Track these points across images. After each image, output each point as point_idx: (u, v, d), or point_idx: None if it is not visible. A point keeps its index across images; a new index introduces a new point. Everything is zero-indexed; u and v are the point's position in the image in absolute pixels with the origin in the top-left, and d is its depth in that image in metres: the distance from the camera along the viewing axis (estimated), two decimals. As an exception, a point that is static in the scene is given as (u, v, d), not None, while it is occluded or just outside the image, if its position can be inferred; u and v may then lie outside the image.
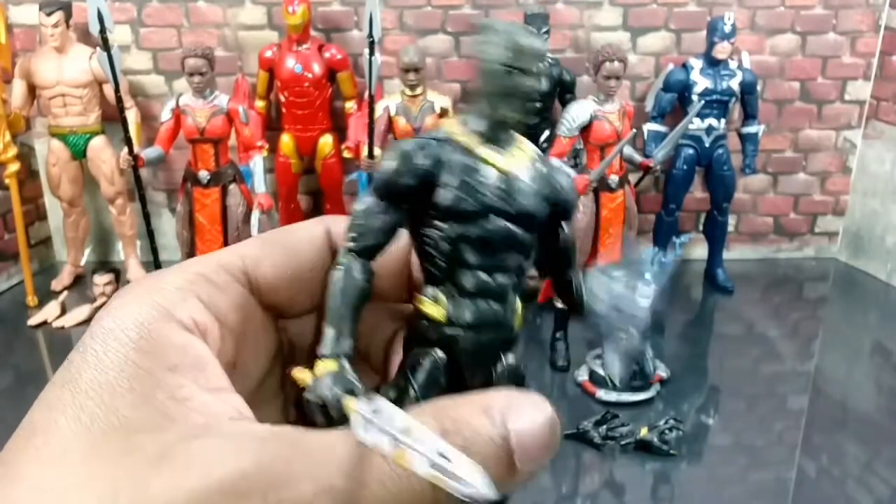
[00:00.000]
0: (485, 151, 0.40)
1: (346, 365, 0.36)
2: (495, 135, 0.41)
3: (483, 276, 0.40)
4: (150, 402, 0.30)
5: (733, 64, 3.34)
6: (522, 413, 0.32)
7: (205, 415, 0.31)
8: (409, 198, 0.39)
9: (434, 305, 0.40)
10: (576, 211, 0.44)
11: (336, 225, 0.42)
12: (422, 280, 0.42)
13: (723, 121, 3.36)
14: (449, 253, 0.40)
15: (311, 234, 0.42)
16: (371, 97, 2.89)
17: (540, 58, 0.40)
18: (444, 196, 0.39)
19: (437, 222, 0.40)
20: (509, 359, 0.42)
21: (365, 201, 0.40)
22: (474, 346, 0.40)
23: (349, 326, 0.38)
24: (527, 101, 0.40)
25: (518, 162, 0.41)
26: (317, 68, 3.31)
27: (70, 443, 0.29)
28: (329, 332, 0.37)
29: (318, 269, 0.41)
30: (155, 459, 0.28)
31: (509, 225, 0.39)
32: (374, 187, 0.40)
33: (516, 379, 0.42)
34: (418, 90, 3.07)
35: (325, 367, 0.36)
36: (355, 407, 0.31)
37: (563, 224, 0.44)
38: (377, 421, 0.30)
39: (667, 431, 2.28)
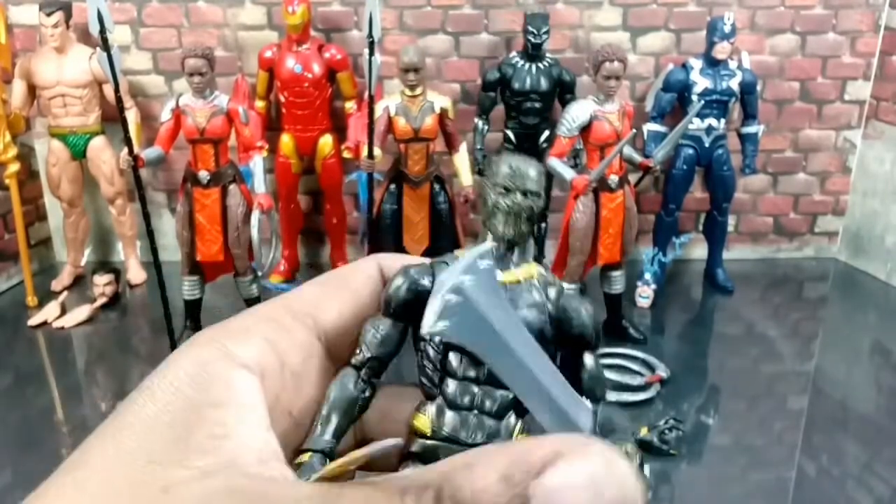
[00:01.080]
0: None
1: (317, 459, 0.39)
2: (497, 253, 0.42)
3: (473, 387, 0.41)
4: (185, 437, 0.31)
5: (733, 64, 3.34)
6: (565, 480, 0.23)
7: (235, 453, 0.31)
8: (409, 314, 0.41)
9: (422, 418, 0.42)
10: (597, 340, 0.43)
11: (387, 260, 0.44)
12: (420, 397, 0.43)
13: (722, 121, 3.37)
14: (439, 363, 0.42)
15: (366, 273, 0.44)
16: (371, 97, 2.89)
17: (528, 179, 0.42)
18: None
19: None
20: None
21: (374, 319, 0.42)
22: None
23: (332, 429, 0.40)
24: (517, 217, 0.42)
25: (518, 278, 0.42)
26: (317, 68, 3.31)
27: (99, 476, 0.30)
28: (315, 431, 0.40)
29: (377, 308, 0.43)
30: (158, 494, 0.29)
31: None
32: (381, 305, 0.42)
33: None
34: (418, 90, 3.07)
35: (304, 458, 0.39)
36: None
37: (585, 355, 0.43)
38: None
39: (667, 431, 2.28)
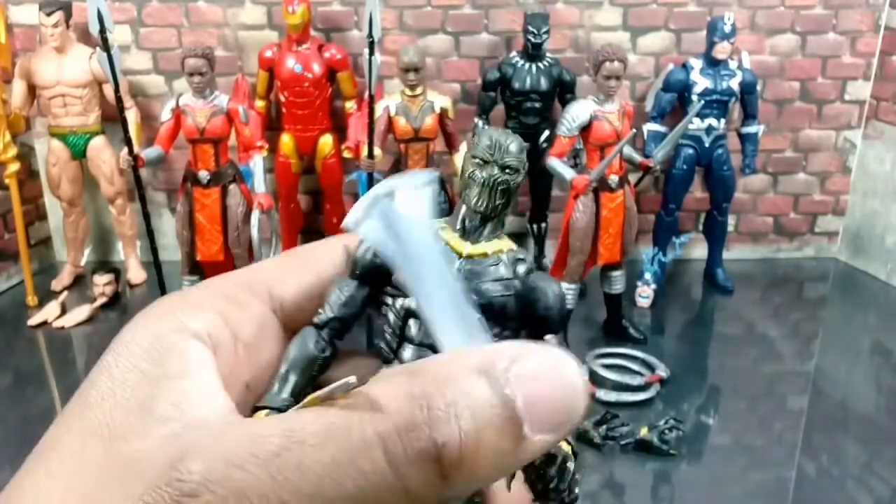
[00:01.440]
0: (451, 238, 0.42)
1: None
2: (469, 225, 0.42)
3: (430, 354, 0.40)
4: (146, 408, 0.31)
5: (733, 64, 3.34)
6: (534, 370, 0.27)
7: (196, 417, 0.31)
8: (375, 276, 0.41)
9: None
10: (562, 324, 0.42)
11: (354, 242, 0.43)
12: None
13: (723, 121, 3.36)
14: (398, 328, 0.42)
15: (330, 251, 0.44)
16: (371, 97, 2.89)
17: (508, 153, 0.41)
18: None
19: (393, 299, 0.42)
20: None
21: (340, 281, 0.42)
22: None
23: (290, 387, 0.40)
24: (492, 191, 0.41)
25: (485, 251, 0.42)
26: (317, 68, 3.31)
27: (68, 460, 0.30)
28: (272, 388, 0.40)
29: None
30: (125, 468, 0.29)
31: None
32: (346, 266, 0.42)
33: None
34: (418, 90, 3.07)
35: (260, 415, 0.39)
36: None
37: (547, 338, 0.42)
38: None
39: (667, 431, 2.28)
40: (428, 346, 0.41)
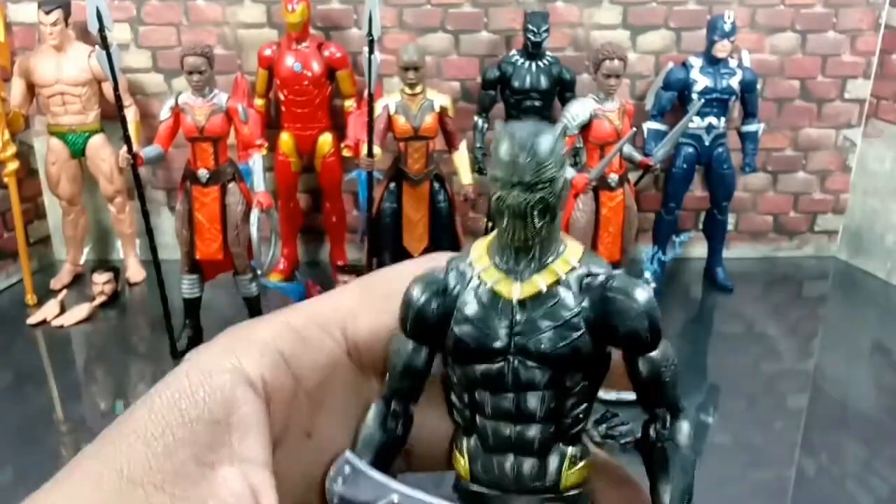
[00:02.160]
0: (496, 279, 0.35)
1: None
2: (510, 258, 0.35)
3: (501, 425, 0.35)
4: (170, 455, 0.30)
5: (733, 62, 3.33)
6: None
7: (215, 488, 0.30)
8: (432, 334, 0.36)
9: (459, 459, 0.37)
10: (654, 338, 0.34)
11: (443, 261, 0.38)
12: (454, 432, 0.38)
13: (723, 119, 3.36)
14: (466, 400, 0.36)
15: (410, 277, 0.38)
16: (370, 95, 2.88)
17: (536, 164, 0.33)
18: (453, 335, 0.35)
19: (454, 365, 0.36)
20: None
21: (395, 340, 0.37)
22: None
23: None
24: (525, 217, 0.34)
25: (540, 288, 0.34)
26: (316, 67, 3.31)
27: (83, 487, 0.29)
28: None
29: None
30: None
31: (526, 365, 0.34)
32: (399, 323, 0.37)
33: None
34: (418, 89, 3.07)
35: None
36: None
37: (642, 357, 0.35)
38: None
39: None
40: (505, 418, 0.35)
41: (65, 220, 3.53)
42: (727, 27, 3.22)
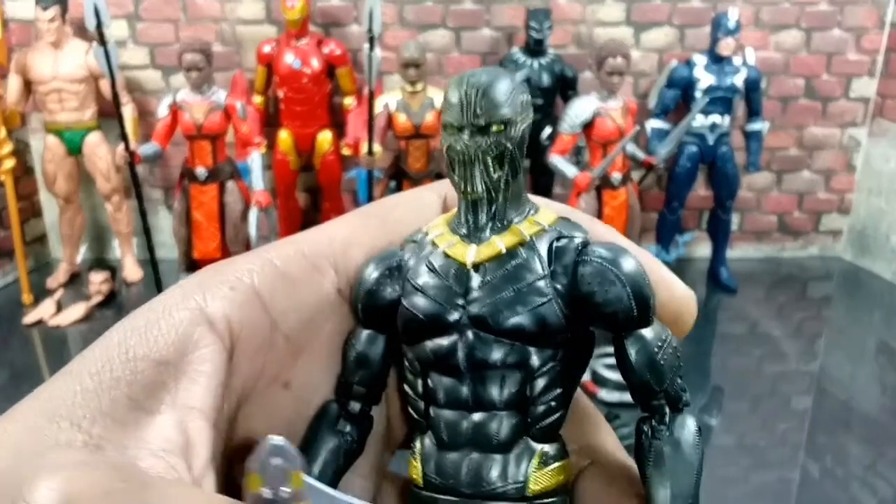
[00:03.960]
0: (451, 245, 0.31)
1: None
2: (468, 218, 0.31)
3: (457, 416, 0.30)
4: (103, 393, 0.26)
5: (737, 60, 3.31)
6: None
7: (138, 433, 0.26)
8: (387, 320, 0.32)
9: (413, 462, 0.32)
10: (644, 313, 0.29)
11: (453, 191, 0.34)
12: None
13: (727, 117, 3.33)
14: (420, 389, 0.31)
15: (422, 206, 0.34)
16: (371, 93, 2.86)
17: (489, 105, 0.29)
18: (401, 312, 0.31)
19: (406, 348, 0.32)
20: None
21: (354, 329, 0.33)
22: None
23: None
24: (478, 165, 0.30)
25: (499, 249, 0.30)
26: (315, 64, 3.28)
27: (12, 425, 0.26)
28: None
29: None
30: (37, 455, 0.25)
31: (481, 340, 0.30)
32: (351, 310, 0.33)
33: None
34: (419, 86, 3.04)
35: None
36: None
37: (630, 338, 0.29)
38: None
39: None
40: (461, 407, 0.30)
41: (61, 218, 3.51)
42: (731, 24, 3.19)
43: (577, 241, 0.30)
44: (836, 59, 3.67)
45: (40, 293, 3.29)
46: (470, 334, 0.30)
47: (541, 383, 0.30)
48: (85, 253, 3.64)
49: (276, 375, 0.31)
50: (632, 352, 0.29)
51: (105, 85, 3.07)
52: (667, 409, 0.30)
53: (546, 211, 0.31)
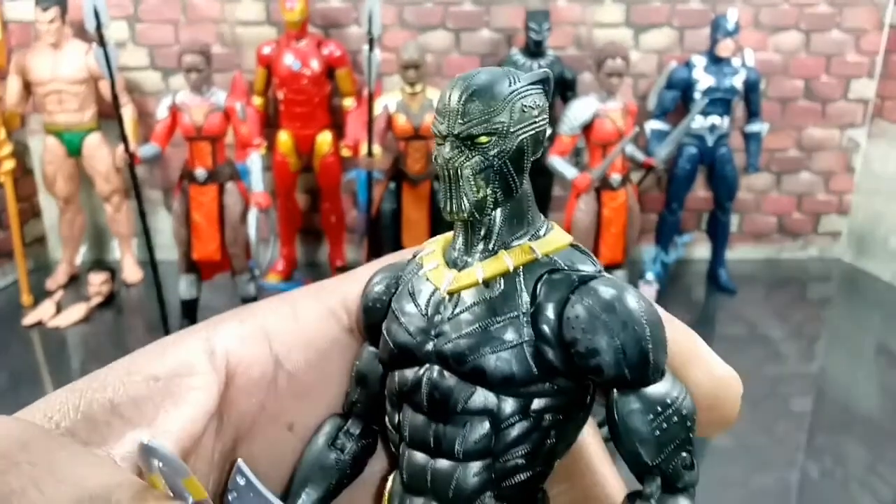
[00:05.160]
0: (433, 266, 0.28)
1: None
2: (458, 241, 0.28)
3: (417, 457, 0.27)
4: (90, 393, 0.27)
5: (737, 61, 3.31)
6: None
7: (110, 437, 0.26)
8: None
9: (385, 497, 0.29)
10: (647, 372, 0.25)
11: None
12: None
13: (726, 119, 3.33)
14: (396, 421, 0.28)
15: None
16: (370, 94, 2.86)
17: (470, 110, 0.25)
18: (382, 337, 0.29)
19: (387, 377, 0.29)
20: None
21: (362, 348, 0.31)
22: None
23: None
24: (458, 180, 0.26)
25: (476, 279, 0.26)
26: (315, 65, 3.28)
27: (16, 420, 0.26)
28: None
29: None
30: (26, 463, 0.24)
31: (444, 379, 0.26)
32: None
33: None
34: (418, 87, 3.04)
35: None
36: None
37: (618, 401, 0.25)
38: None
39: None
40: (423, 448, 0.27)
41: (61, 219, 3.50)
42: (730, 26, 3.19)
43: (576, 276, 0.25)
44: (836, 61, 3.67)
45: (40, 294, 3.29)
46: (434, 371, 0.26)
47: (510, 434, 0.26)
48: (84, 254, 3.64)
49: (278, 415, 0.31)
50: (620, 414, 0.25)
51: (105, 86, 3.07)
52: (655, 490, 0.25)
53: (555, 236, 0.27)
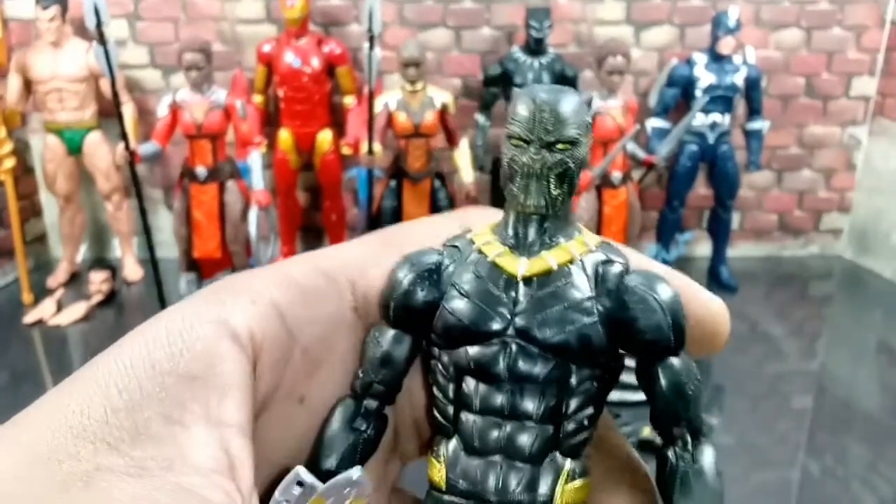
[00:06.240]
0: (500, 255, 0.31)
1: None
2: (519, 230, 0.31)
3: (491, 424, 0.31)
4: (134, 411, 0.25)
5: (738, 59, 3.30)
6: None
7: (180, 452, 0.25)
8: (418, 322, 0.32)
9: (435, 465, 0.32)
10: (679, 343, 0.30)
11: (475, 218, 0.35)
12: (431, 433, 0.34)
13: (727, 116, 3.33)
14: (451, 394, 0.32)
15: (438, 232, 0.34)
16: (371, 92, 2.86)
17: (559, 121, 0.30)
18: (442, 316, 0.31)
19: (440, 353, 0.32)
20: None
21: (377, 327, 0.33)
22: None
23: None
24: (542, 181, 0.30)
25: (550, 265, 0.31)
26: (315, 63, 3.28)
27: (21, 443, 0.25)
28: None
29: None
30: (76, 482, 0.23)
31: (526, 353, 0.30)
32: (379, 308, 0.33)
33: None
34: (418, 85, 3.04)
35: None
36: None
37: (661, 364, 0.30)
38: None
39: None
40: (495, 413, 0.31)
41: (61, 217, 3.50)
42: (732, 23, 3.19)
43: (619, 267, 0.31)
44: (837, 58, 3.66)
45: (40, 293, 3.29)
46: (514, 346, 0.30)
47: (576, 401, 0.31)
48: (85, 252, 3.64)
49: (292, 389, 0.31)
50: (664, 379, 0.30)
51: (105, 84, 3.07)
52: (689, 438, 0.31)
53: (589, 234, 0.32)
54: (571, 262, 0.31)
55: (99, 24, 2.58)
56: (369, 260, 0.33)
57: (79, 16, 3.02)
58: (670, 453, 0.31)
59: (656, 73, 3.57)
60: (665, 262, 3.37)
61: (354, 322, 0.33)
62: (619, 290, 0.30)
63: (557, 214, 0.31)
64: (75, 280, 3.50)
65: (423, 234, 0.34)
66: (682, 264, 3.68)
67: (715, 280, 3.58)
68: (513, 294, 0.30)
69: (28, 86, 3.31)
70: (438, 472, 0.32)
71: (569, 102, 0.30)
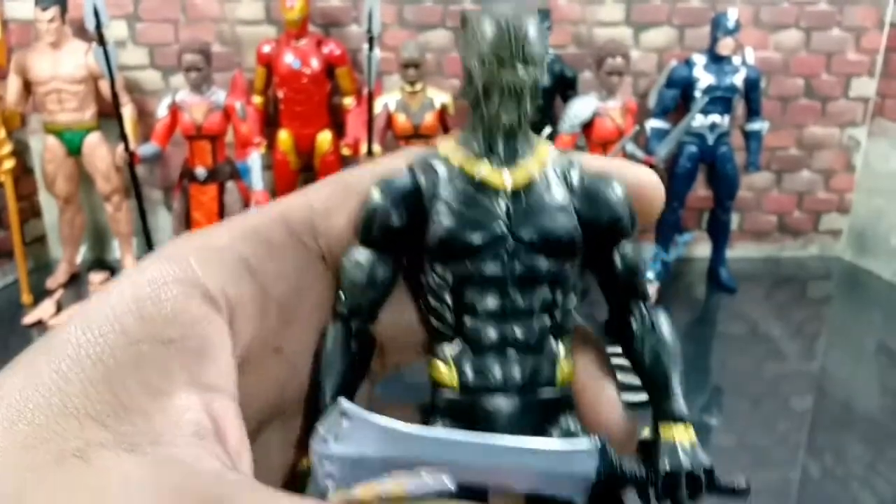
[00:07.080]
0: (485, 170, 0.33)
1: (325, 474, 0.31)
2: (495, 146, 0.33)
3: (496, 323, 0.33)
4: (114, 382, 0.24)
5: (737, 60, 3.30)
6: None
7: (169, 420, 0.24)
8: (399, 241, 0.34)
9: (444, 368, 0.34)
10: (633, 225, 0.34)
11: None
12: (428, 339, 0.35)
13: (726, 117, 3.33)
14: (455, 301, 0.34)
15: (393, 171, 0.34)
16: (370, 93, 2.86)
17: (528, 42, 0.31)
18: (438, 232, 0.33)
19: (435, 265, 0.33)
20: (557, 431, 0.34)
21: (351, 252, 0.33)
22: (502, 417, 0.33)
23: (329, 395, 0.33)
24: (519, 97, 0.32)
25: (532, 175, 0.33)
26: (315, 64, 3.28)
27: (4, 418, 0.24)
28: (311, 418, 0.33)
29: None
30: (69, 458, 0.22)
31: (525, 256, 0.33)
32: (357, 232, 0.33)
33: None
34: (418, 86, 3.04)
35: (303, 464, 0.32)
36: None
37: (619, 247, 0.34)
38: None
39: None
40: (496, 315, 0.33)
41: (61, 218, 3.50)
42: (731, 24, 3.19)
43: (578, 164, 0.34)
44: (836, 59, 3.67)
45: (40, 294, 3.29)
46: (513, 250, 0.33)
47: (564, 291, 0.34)
48: (85, 253, 3.64)
49: (268, 342, 0.31)
50: (620, 259, 0.34)
51: (104, 85, 3.07)
52: (643, 307, 0.35)
53: (541, 140, 0.35)
54: (544, 167, 0.34)
55: (98, 26, 2.59)
56: (332, 206, 0.33)
57: (78, 17, 3.02)
58: (634, 324, 0.35)
59: (656, 75, 3.57)
60: (664, 262, 3.39)
61: (323, 271, 0.33)
62: (586, 190, 0.34)
63: (523, 129, 0.33)
64: (75, 281, 3.49)
65: (380, 173, 0.34)
66: (682, 265, 3.68)
67: (714, 281, 3.58)
68: (502, 203, 0.33)
69: (28, 87, 3.31)
70: (446, 375, 0.34)
71: (535, 22, 0.32)
